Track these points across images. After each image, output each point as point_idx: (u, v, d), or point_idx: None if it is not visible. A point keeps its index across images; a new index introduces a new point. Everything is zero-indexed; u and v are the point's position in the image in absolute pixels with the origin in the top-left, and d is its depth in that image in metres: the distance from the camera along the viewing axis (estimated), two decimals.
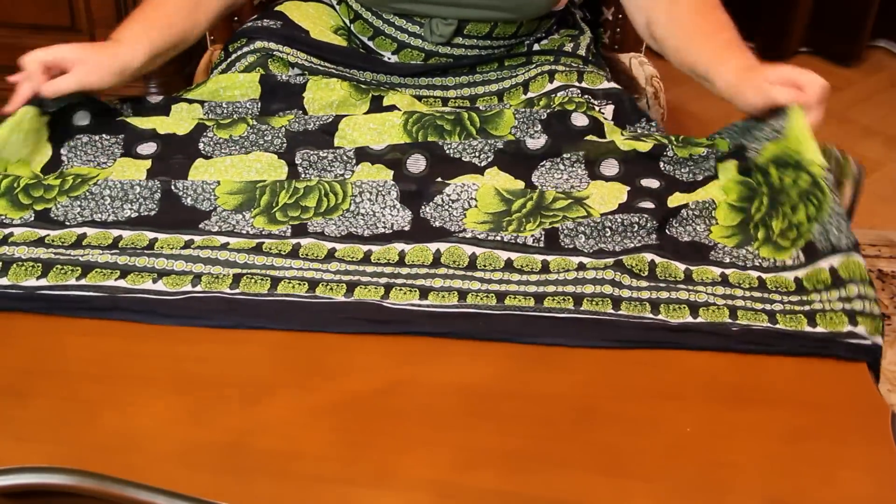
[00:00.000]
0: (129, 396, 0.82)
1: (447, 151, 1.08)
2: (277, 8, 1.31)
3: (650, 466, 0.77)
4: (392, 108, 1.16)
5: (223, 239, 0.98)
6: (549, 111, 1.13)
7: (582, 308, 0.89)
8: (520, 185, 1.05)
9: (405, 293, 0.91)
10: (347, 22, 1.29)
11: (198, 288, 0.91)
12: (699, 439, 0.80)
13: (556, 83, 1.20)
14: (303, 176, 1.06)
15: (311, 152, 1.07)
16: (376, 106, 1.17)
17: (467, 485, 0.75)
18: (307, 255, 0.96)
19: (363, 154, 1.07)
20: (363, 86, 1.20)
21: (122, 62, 1.11)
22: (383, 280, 0.93)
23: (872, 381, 0.86)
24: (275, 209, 1.02)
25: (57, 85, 1.06)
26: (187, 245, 0.97)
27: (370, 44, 1.28)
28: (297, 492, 0.75)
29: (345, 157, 1.07)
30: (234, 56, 1.24)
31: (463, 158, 1.08)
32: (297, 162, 1.06)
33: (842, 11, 2.61)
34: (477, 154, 1.08)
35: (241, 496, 0.74)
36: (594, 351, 0.88)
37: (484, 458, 0.77)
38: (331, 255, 0.96)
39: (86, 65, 1.08)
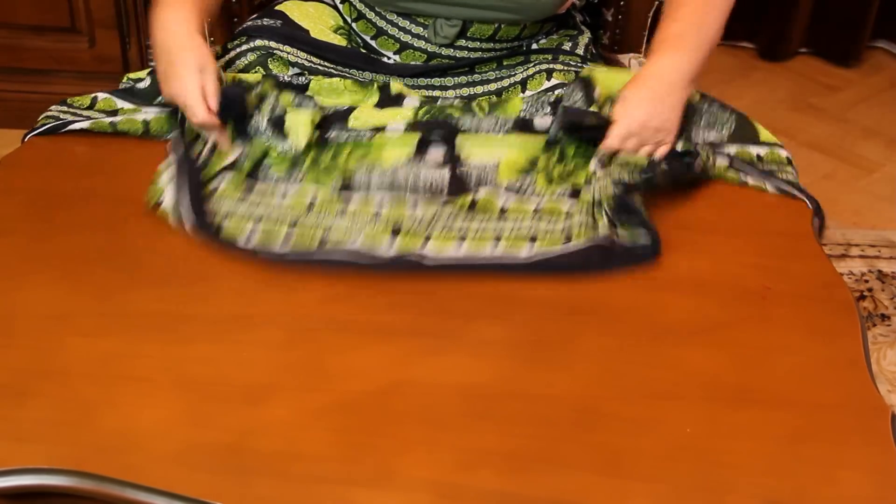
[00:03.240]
0: (128, 397, 0.82)
1: (463, 129, 1.13)
2: (277, 7, 1.31)
3: (650, 467, 0.77)
4: (400, 96, 1.18)
5: (282, 187, 1.06)
6: (555, 97, 1.16)
7: (599, 234, 0.99)
8: (539, 142, 1.11)
9: (444, 239, 1.00)
10: (350, 21, 1.29)
11: (253, 240, 1.00)
12: (699, 440, 0.80)
13: (554, 81, 1.20)
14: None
15: (334, 129, 1.12)
16: (386, 95, 1.19)
17: (467, 485, 0.75)
18: (355, 212, 1.03)
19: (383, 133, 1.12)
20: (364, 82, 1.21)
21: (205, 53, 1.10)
22: (423, 227, 1.01)
23: (872, 382, 0.86)
24: (321, 166, 1.08)
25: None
26: (248, 189, 1.06)
27: (372, 43, 1.27)
28: (297, 492, 0.75)
29: (366, 137, 1.12)
30: (233, 54, 1.24)
31: (479, 131, 1.13)
32: (324, 136, 1.12)
33: (841, 12, 2.61)
34: (492, 126, 1.14)
35: (240, 497, 0.74)
36: (594, 350, 0.88)
37: (484, 459, 0.77)
38: (378, 209, 1.04)
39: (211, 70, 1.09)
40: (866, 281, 1.90)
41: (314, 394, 0.83)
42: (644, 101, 1.08)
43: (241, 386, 0.84)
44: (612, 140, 1.07)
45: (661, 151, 1.09)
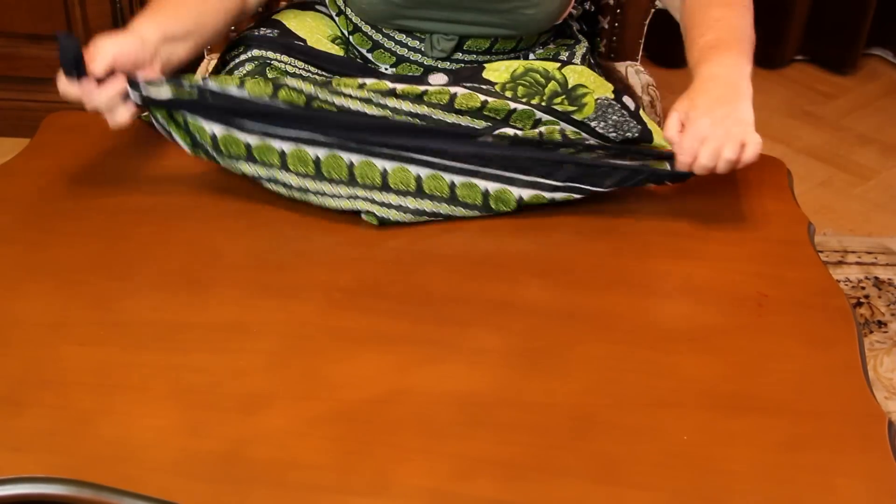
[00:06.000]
0: (125, 406, 0.82)
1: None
2: (274, 17, 1.31)
3: (647, 475, 0.77)
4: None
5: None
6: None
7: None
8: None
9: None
10: (346, 34, 1.29)
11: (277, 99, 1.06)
12: (696, 447, 0.80)
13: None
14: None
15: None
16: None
17: (464, 494, 0.75)
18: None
19: (387, 93, 1.11)
20: None
21: (141, 37, 1.14)
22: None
23: (869, 389, 0.86)
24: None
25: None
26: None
27: (369, 56, 1.27)
28: (293, 501, 0.75)
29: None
30: (231, 65, 1.24)
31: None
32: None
33: (837, 20, 2.62)
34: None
35: None
36: (590, 358, 0.88)
37: (481, 467, 0.77)
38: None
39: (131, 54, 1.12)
40: (863, 288, 1.90)
41: (311, 402, 0.83)
42: (706, 104, 1.02)
43: (238, 394, 0.84)
44: (684, 157, 1.01)
45: (751, 152, 0.99)
